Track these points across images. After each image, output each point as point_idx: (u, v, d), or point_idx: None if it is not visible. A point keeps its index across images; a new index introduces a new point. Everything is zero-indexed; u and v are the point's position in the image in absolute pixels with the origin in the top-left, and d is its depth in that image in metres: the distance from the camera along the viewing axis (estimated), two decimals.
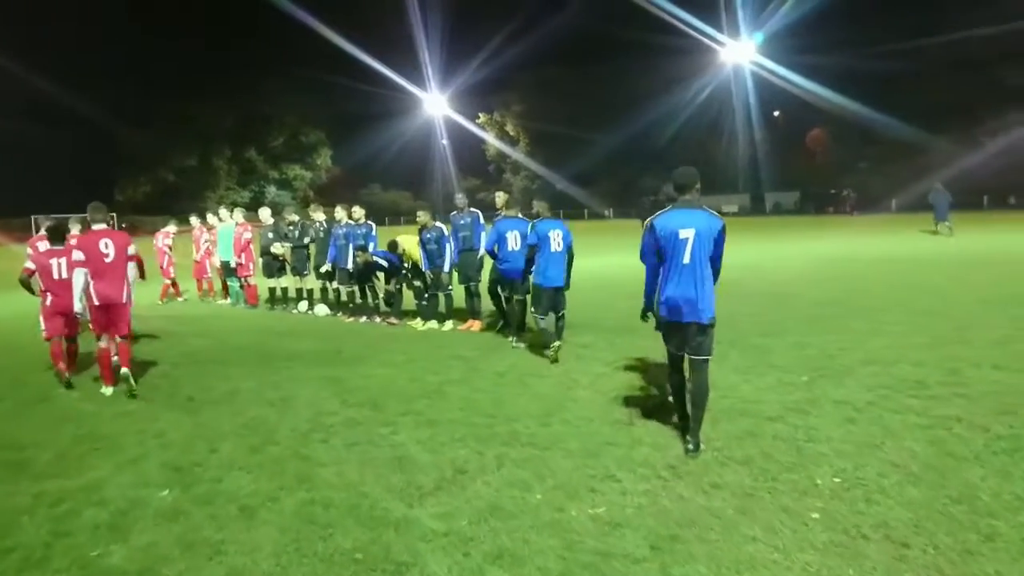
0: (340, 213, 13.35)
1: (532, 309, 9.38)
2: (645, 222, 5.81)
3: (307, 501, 5.10)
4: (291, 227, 14.50)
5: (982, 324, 10.00)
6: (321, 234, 13.78)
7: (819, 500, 4.75)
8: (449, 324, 11.77)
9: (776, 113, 78.99)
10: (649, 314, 5.96)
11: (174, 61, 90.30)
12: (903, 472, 5.10)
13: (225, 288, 16.45)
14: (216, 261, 16.00)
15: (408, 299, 12.61)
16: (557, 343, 8.97)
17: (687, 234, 5.53)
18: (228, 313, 15.01)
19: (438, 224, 11.71)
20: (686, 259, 5.54)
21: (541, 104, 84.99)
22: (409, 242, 12.06)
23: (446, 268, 11.63)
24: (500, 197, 10.85)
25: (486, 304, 11.67)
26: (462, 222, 11.51)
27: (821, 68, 66.52)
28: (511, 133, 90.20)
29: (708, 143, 77.34)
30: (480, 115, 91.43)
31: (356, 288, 13.16)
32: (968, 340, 9.03)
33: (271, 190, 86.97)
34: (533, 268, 9.34)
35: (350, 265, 12.94)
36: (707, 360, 5.68)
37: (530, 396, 7.47)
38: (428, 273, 11.82)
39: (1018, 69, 61.39)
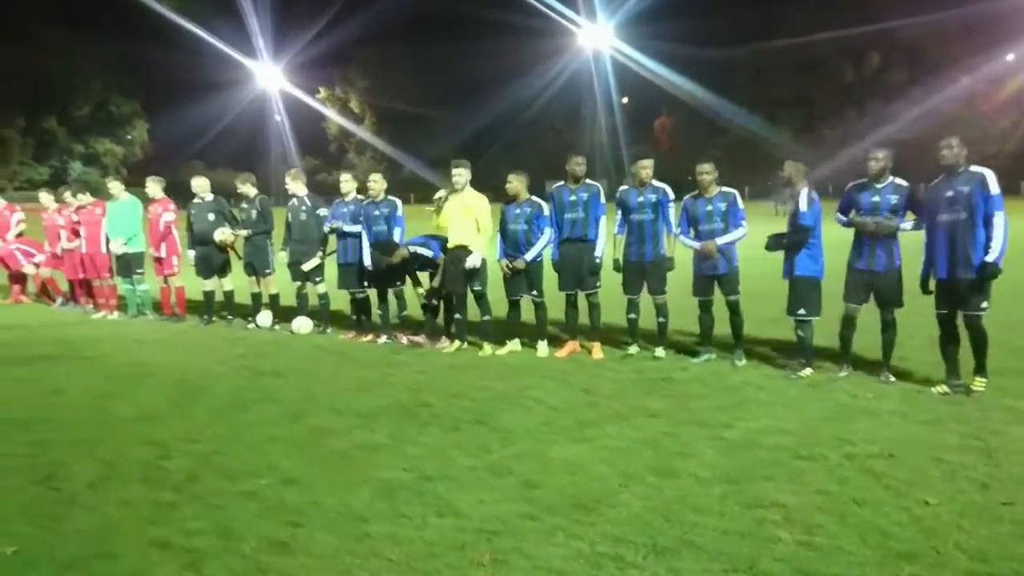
0: (348, 184, 9.11)
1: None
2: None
3: None
4: (245, 205, 9.96)
5: None
6: (302, 215, 9.41)
7: None
8: (544, 347, 8.04)
9: (624, 100, 79.20)
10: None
11: None
12: None
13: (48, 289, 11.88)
14: (116, 248, 10.77)
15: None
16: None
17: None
18: (140, 333, 10.14)
19: (534, 198, 7.94)
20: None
21: (389, 81, 79.82)
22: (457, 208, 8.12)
23: (527, 255, 7.83)
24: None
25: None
26: (571, 199, 7.78)
27: (674, 56, 66.84)
28: (355, 110, 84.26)
29: (566, 129, 76.07)
30: (321, 90, 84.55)
31: (369, 293, 9.04)
32: None
33: (76, 166, 75.07)
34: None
35: (368, 261, 8.77)
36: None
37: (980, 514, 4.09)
38: (503, 264, 8.01)
39: (855, 66, 64.90)
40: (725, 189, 7.26)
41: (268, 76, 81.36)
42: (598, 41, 71.25)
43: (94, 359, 8.43)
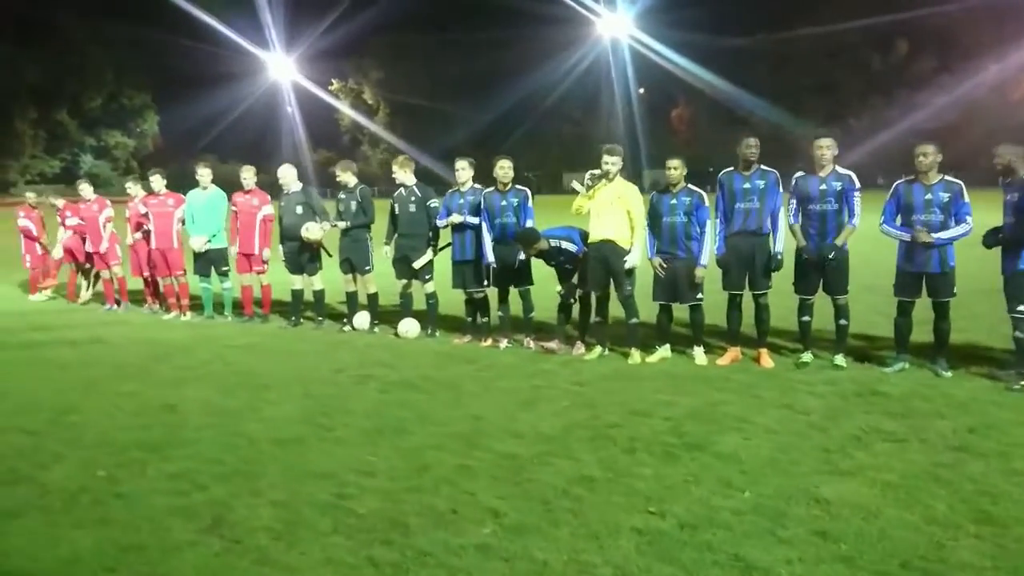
0: (465, 172, 8.25)
1: None
2: None
3: None
4: (344, 195, 9.06)
5: None
6: (411, 206, 8.52)
7: None
8: (701, 354, 7.14)
9: (641, 90, 78.02)
10: None
11: None
12: None
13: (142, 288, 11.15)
14: (197, 245, 9.79)
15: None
16: None
17: None
18: (227, 336, 9.25)
19: (692, 187, 7.05)
20: None
21: (403, 72, 78.86)
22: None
23: (703, 260, 6.99)
24: None
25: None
26: (744, 186, 6.88)
27: (694, 46, 65.70)
28: (369, 102, 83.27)
29: (584, 119, 74.99)
30: (334, 81, 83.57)
31: (488, 293, 8.16)
32: None
33: (87, 159, 74.47)
34: None
35: (490, 256, 7.88)
36: None
37: None
38: (656, 263, 7.12)
39: (882, 54, 63.71)
40: (949, 178, 6.30)
41: (280, 67, 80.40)
42: (616, 30, 70.12)
43: (192, 367, 7.55)
